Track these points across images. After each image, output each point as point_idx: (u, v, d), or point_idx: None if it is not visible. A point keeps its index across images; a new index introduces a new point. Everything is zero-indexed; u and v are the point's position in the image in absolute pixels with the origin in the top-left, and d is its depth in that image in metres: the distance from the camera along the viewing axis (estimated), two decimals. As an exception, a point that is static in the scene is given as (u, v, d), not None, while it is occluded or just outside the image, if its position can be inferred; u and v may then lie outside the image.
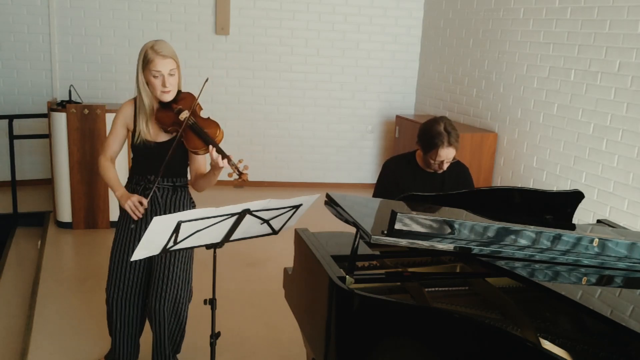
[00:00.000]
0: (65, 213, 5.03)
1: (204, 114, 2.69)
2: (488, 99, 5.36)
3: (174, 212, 2.75)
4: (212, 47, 6.27)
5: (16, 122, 5.36)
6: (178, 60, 2.65)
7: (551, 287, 1.93)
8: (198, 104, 2.68)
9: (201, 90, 2.63)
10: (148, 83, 2.62)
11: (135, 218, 2.65)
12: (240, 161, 2.47)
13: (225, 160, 2.48)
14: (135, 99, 2.71)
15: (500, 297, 2.15)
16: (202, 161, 2.77)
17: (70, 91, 5.10)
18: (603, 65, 4.02)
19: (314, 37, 6.44)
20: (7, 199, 5.32)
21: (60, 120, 4.83)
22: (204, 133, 2.57)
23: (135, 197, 2.63)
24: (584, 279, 2.04)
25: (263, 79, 6.47)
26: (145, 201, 2.63)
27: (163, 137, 2.69)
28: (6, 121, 5.16)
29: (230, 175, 2.46)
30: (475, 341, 1.83)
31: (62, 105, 4.88)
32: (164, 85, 2.58)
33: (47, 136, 5.12)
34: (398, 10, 6.53)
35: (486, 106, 5.39)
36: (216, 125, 2.65)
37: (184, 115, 2.60)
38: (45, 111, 5.21)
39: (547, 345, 1.86)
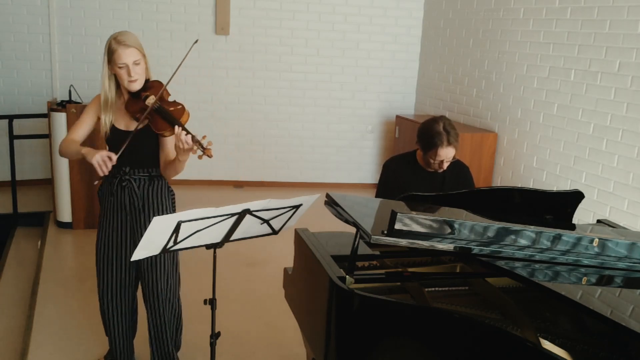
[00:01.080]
0: (65, 213, 5.03)
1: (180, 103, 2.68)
2: (488, 99, 5.36)
3: (153, 202, 2.75)
4: (212, 47, 6.27)
5: (16, 122, 5.36)
6: (143, 49, 2.64)
7: (551, 287, 1.93)
8: (166, 90, 2.68)
9: (173, 74, 2.62)
10: (116, 75, 2.62)
11: (101, 174, 2.53)
12: (204, 137, 2.47)
13: (189, 136, 2.46)
14: None
15: (500, 297, 2.15)
16: (170, 147, 2.71)
17: (70, 91, 5.10)
18: (603, 65, 4.02)
19: (314, 37, 6.44)
20: (7, 199, 5.32)
21: (60, 120, 4.83)
22: (169, 114, 2.58)
23: (104, 152, 2.53)
24: (584, 279, 2.04)
25: (263, 79, 6.47)
26: (114, 157, 2.53)
27: (134, 126, 2.66)
28: (6, 121, 5.16)
29: (194, 152, 2.46)
30: (475, 341, 1.83)
31: (62, 105, 4.88)
32: (129, 74, 2.58)
33: (47, 136, 5.12)
34: (398, 10, 6.53)
35: (486, 106, 5.39)
36: (181, 106, 2.65)
37: (151, 100, 2.60)
38: (45, 111, 5.21)
39: (547, 345, 1.86)
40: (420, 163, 3.21)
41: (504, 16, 5.11)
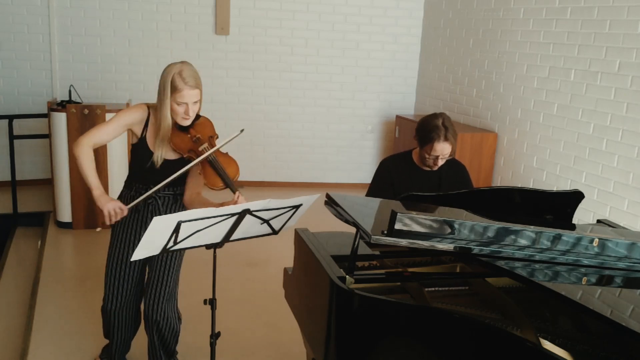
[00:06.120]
0: (65, 213, 5.03)
1: (218, 142, 2.66)
2: (488, 99, 5.36)
3: None
4: (212, 47, 6.27)
5: (16, 122, 5.36)
6: (201, 86, 2.58)
7: (551, 287, 1.93)
8: (215, 134, 2.68)
9: (230, 140, 2.55)
10: (170, 108, 2.55)
11: (108, 223, 2.52)
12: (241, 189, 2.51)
13: (237, 194, 2.45)
14: (148, 107, 2.64)
15: (500, 297, 2.15)
16: (201, 180, 2.70)
17: (70, 91, 5.10)
18: (603, 65, 4.02)
19: (314, 37, 6.44)
20: (7, 199, 5.32)
21: (60, 120, 4.83)
22: (225, 173, 2.57)
23: (117, 204, 2.51)
24: (584, 279, 2.04)
25: (263, 79, 6.47)
26: (126, 210, 2.53)
27: (172, 155, 2.66)
28: (6, 121, 5.16)
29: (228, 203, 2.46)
30: (475, 341, 1.83)
31: (62, 105, 4.88)
32: (186, 113, 2.55)
33: (47, 136, 5.12)
34: (398, 10, 6.53)
35: (486, 106, 5.39)
36: (236, 165, 2.64)
37: (203, 147, 2.59)
38: (45, 111, 5.21)
39: (547, 345, 1.86)
40: (416, 162, 3.19)
41: (504, 16, 5.11)
